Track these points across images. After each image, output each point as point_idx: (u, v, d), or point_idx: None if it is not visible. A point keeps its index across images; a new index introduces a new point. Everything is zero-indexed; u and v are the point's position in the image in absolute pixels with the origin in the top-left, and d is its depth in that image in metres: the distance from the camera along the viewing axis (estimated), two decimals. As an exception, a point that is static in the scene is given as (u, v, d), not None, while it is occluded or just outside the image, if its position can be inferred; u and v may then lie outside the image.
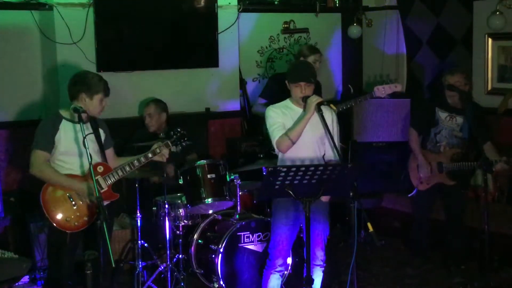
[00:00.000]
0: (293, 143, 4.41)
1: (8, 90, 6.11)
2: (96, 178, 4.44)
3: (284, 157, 4.56)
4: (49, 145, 4.40)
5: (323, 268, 4.67)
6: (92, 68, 6.17)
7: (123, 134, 6.17)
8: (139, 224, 5.34)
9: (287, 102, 4.61)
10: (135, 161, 4.63)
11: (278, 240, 4.61)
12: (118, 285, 5.52)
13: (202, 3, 6.64)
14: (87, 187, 4.41)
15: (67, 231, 4.37)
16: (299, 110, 4.53)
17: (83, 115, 4.32)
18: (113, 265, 4.22)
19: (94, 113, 4.52)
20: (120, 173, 4.57)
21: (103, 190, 4.48)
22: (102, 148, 4.60)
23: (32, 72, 6.21)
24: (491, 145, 5.59)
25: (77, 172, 4.47)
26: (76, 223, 4.40)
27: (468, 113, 5.59)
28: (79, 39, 6.08)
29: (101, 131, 4.64)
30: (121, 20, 6.30)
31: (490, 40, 6.79)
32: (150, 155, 4.67)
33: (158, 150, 4.68)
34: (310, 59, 5.91)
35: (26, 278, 4.78)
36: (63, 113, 4.51)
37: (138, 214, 5.34)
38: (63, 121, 4.46)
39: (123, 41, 6.36)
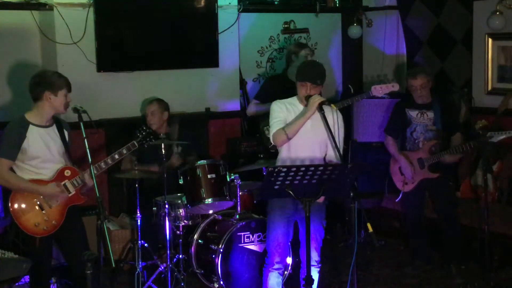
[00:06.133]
0: (289, 138, 4.40)
1: (8, 90, 6.11)
2: (63, 182, 4.46)
3: (284, 157, 4.56)
4: (14, 153, 4.36)
5: (318, 269, 4.67)
6: (92, 68, 6.18)
7: (122, 134, 6.17)
8: (139, 224, 5.34)
9: (294, 99, 4.60)
10: (102, 163, 4.58)
11: (273, 238, 4.61)
12: (118, 285, 5.53)
13: (202, 3, 6.64)
14: (54, 190, 4.41)
15: (36, 236, 4.40)
16: (303, 109, 4.53)
17: (48, 119, 4.32)
18: (113, 265, 4.22)
19: (60, 109, 4.46)
20: (87, 176, 4.50)
21: (70, 194, 4.47)
22: (68, 150, 4.56)
23: (32, 72, 6.16)
24: (459, 136, 5.75)
25: (46, 176, 4.45)
26: (45, 228, 4.42)
27: (436, 107, 5.71)
28: (79, 39, 6.08)
29: (65, 132, 4.59)
30: (121, 20, 6.31)
31: (490, 40, 6.78)
32: (117, 156, 4.63)
33: (124, 151, 4.66)
34: (302, 53, 5.94)
35: (26, 278, 4.77)
36: (30, 117, 4.44)
37: (138, 214, 5.34)
38: (30, 126, 4.40)
39: (123, 41, 6.36)
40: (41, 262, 4.46)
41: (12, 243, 4.62)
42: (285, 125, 4.44)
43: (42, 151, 4.41)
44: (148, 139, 4.79)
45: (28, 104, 6.18)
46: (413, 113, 5.79)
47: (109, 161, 4.60)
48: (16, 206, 4.39)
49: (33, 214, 4.40)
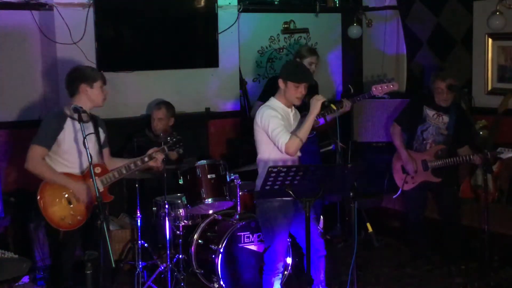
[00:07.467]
0: (303, 143, 4.42)
1: (8, 90, 6.11)
2: None
3: (270, 159, 4.52)
4: (50, 142, 4.40)
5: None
6: (92, 68, 6.18)
7: (123, 134, 6.17)
8: (139, 224, 5.35)
9: (275, 102, 4.58)
10: (132, 164, 4.63)
11: (280, 247, 4.56)
12: (118, 285, 5.53)
13: (202, 3, 6.64)
14: (84, 187, 4.43)
15: (60, 229, 4.40)
16: (288, 110, 4.56)
17: (84, 115, 4.34)
18: (113, 265, 4.23)
19: (98, 102, 4.53)
20: (117, 175, 4.58)
21: None
22: (101, 148, 4.61)
23: (32, 72, 6.21)
24: (467, 148, 5.71)
25: (77, 171, 4.49)
26: (70, 222, 4.43)
27: (452, 113, 5.71)
28: (79, 39, 6.08)
29: (100, 130, 4.65)
30: (121, 20, 6.31)
31: (490, 40, 6.79)
32: (146, 159, 4.67)
33: (154, 155, 4.68)
34: (307, 60, 5.92)
35: (26, 278, 4.79)
36: (68, 111, 4.50)
37: (138, 214, 5.34)
38: (68, 119, 4.46)
39: (123, 41, 6.36)
40: (62, 256, 4.48)
41: (12, 243, 4.63)
42: (296, 132, 4.42)
43: (77, 145, 4.44)
44: (178, 145, 4.82)
45: (28, 104, 6.22)
46: (430, 112, 5.78)
47: (139, 162, 4.65)
48: (45, 197, 4.39)
49: (60, 207, 4.41)
